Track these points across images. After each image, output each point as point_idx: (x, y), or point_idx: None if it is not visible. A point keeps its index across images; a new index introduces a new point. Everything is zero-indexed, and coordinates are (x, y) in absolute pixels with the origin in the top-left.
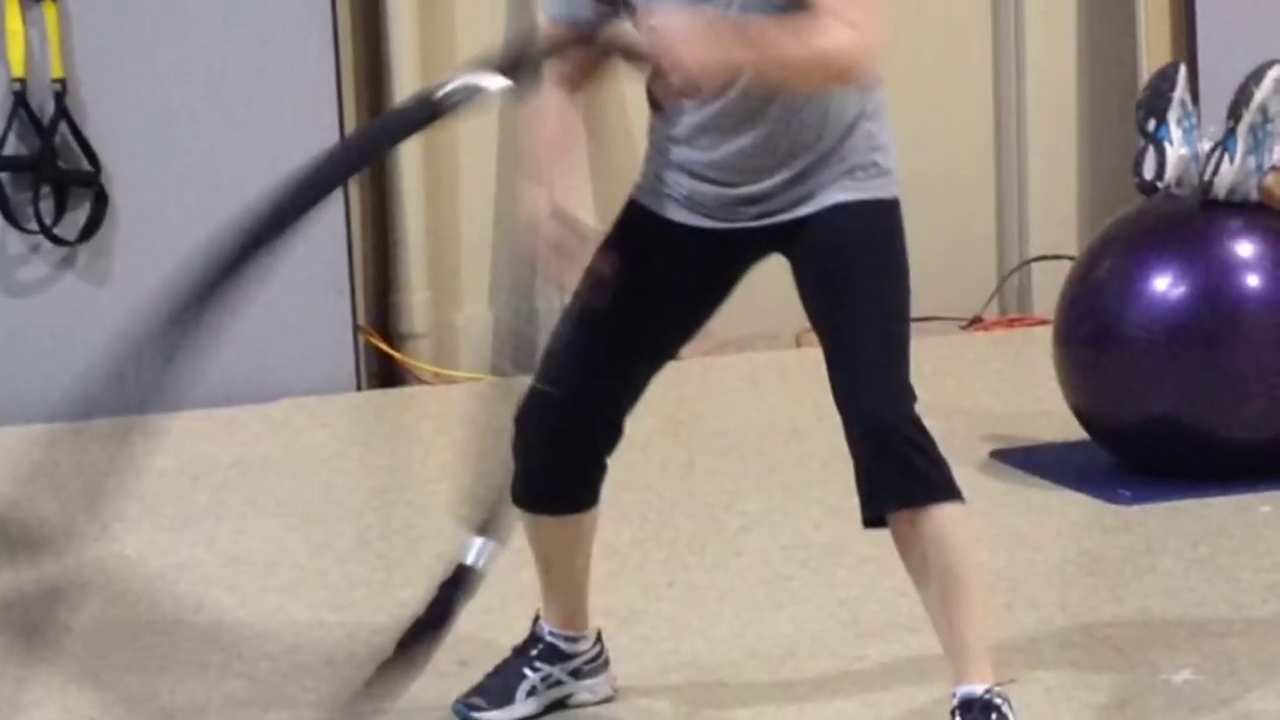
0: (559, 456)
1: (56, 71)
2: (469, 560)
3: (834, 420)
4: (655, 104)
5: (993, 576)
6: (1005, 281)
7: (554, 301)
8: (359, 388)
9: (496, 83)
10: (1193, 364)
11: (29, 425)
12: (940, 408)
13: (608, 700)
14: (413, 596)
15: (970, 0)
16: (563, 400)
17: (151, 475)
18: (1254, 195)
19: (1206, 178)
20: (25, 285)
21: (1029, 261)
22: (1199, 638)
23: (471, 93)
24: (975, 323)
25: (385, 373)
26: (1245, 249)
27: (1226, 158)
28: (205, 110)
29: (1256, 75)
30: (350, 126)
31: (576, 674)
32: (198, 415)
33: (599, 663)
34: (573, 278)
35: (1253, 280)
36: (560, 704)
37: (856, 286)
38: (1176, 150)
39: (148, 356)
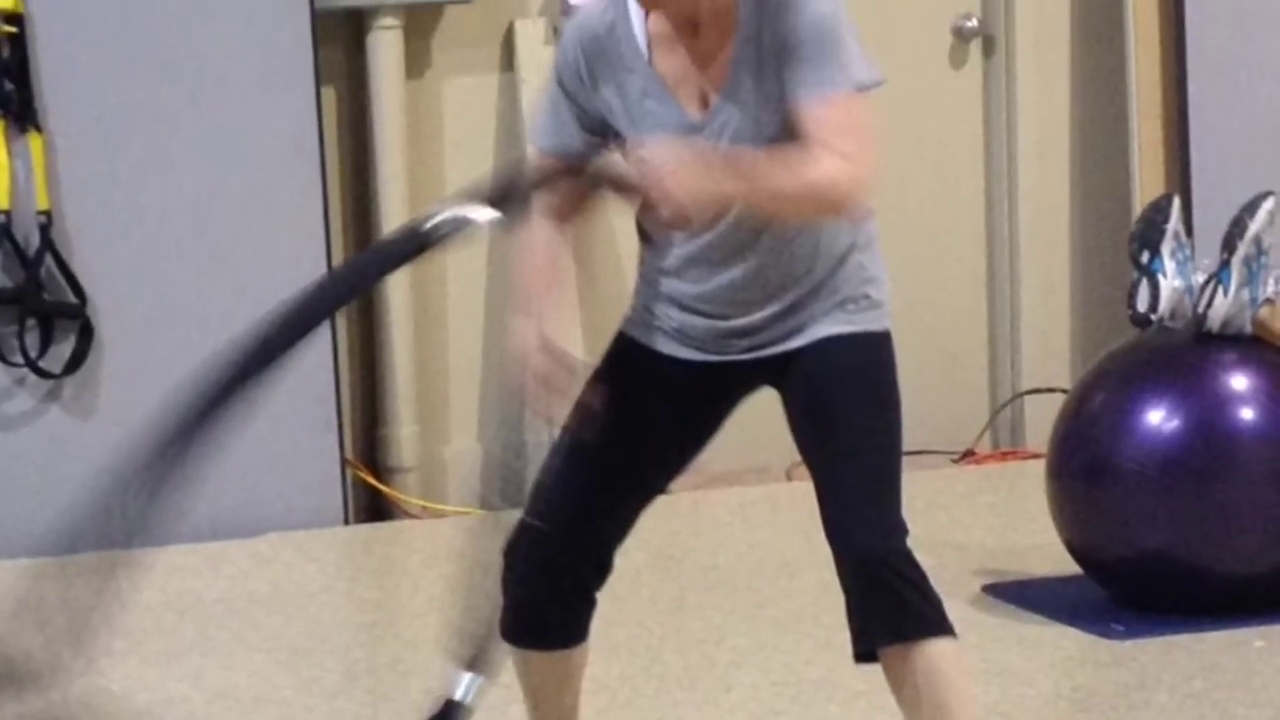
0: (548, 591)
1: (42, 203)
2: (457, 695)
3: (825, 554)
4: (645, 236)
5: (985, 712)
6: (998, 415)
7: (543, 435)
8: (347, 522)
9: (485, 214)
10: (1186, 498)
11: (14, 559)
12: (932, 541)
13: None
14: None
15: (962, 131)
16: (552, 534)
17: (138, 610)
18: (1248, 328)
19: (1200, 310)
20: (10, 419)
21: (1022, 394)
22: None
23: (460, 224)
24: (967, 456)
25: (373, 507)
26: (1240, 382)
27: (1221, 290)
28: (192, 243)
29: (1250, 207)
30: (338, 259)
31: None
32: (184, 549)
33: None
34: (562, 411)
35: (1247, 414)
36: None
37: (847, 420)
38: (1170, 282)
39: (134, 490)
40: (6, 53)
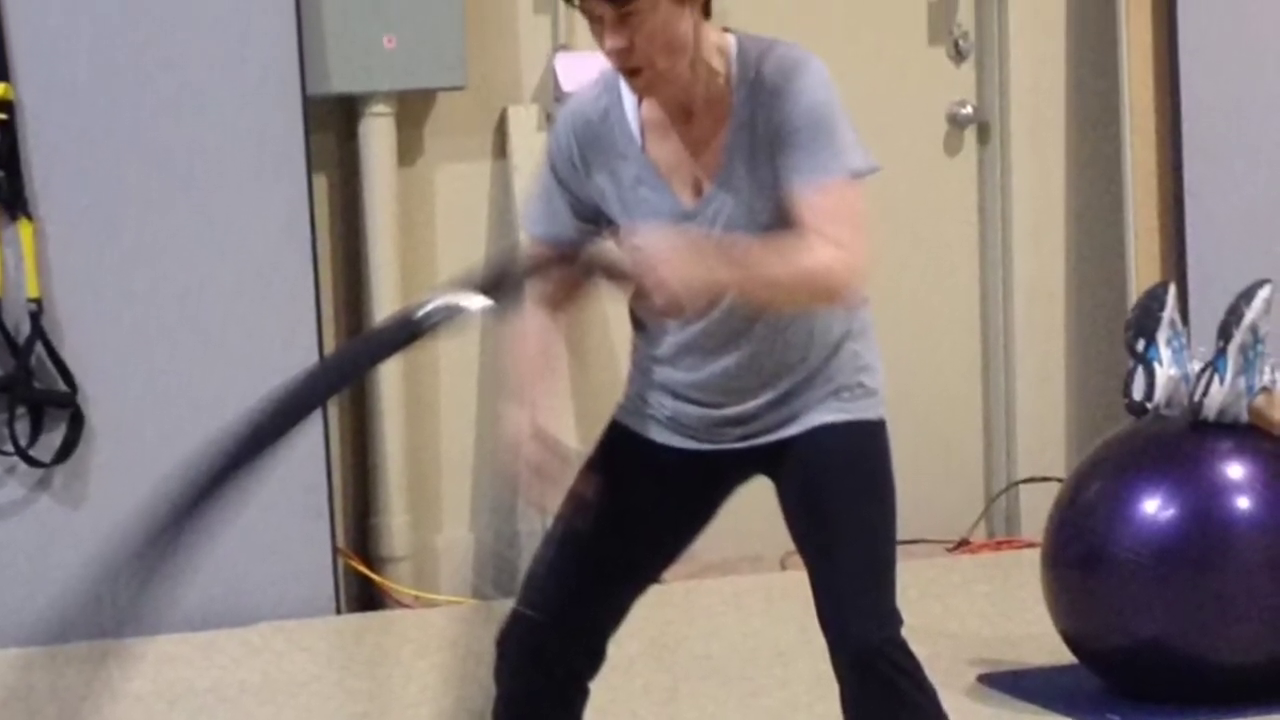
0: (541, 680)
1: (32, 291)
2: None
3: (819, 644)
4: (638, 324)
5: None
6: (993, 503)
7: (535, 524)
8: (338, 611)
9: (477, 302)
10: (1183, 587)
11: (4, 649)
12: (927, 631)
13: None
14: None
15: (957, 218)
16: (545, 624)
17: (128, 699)
18: (1244, 416)
19: (1196, 398)
20: (0, 507)
21: (1017, 483)
22: None
23: (452, 312)
24: (962, 545)
25: (365, 596)
26: (1236, 471)
27: (1217, 378)
28: (183, 331)
29: (1246, 295)
30: (329, 347)
31: None
32: (175, 639)
33: None
34: (554, 500)
35: (1243, 503)
36: None
37: (842, 509)
38: (1166, 371)
39: (124, 579)
40: None
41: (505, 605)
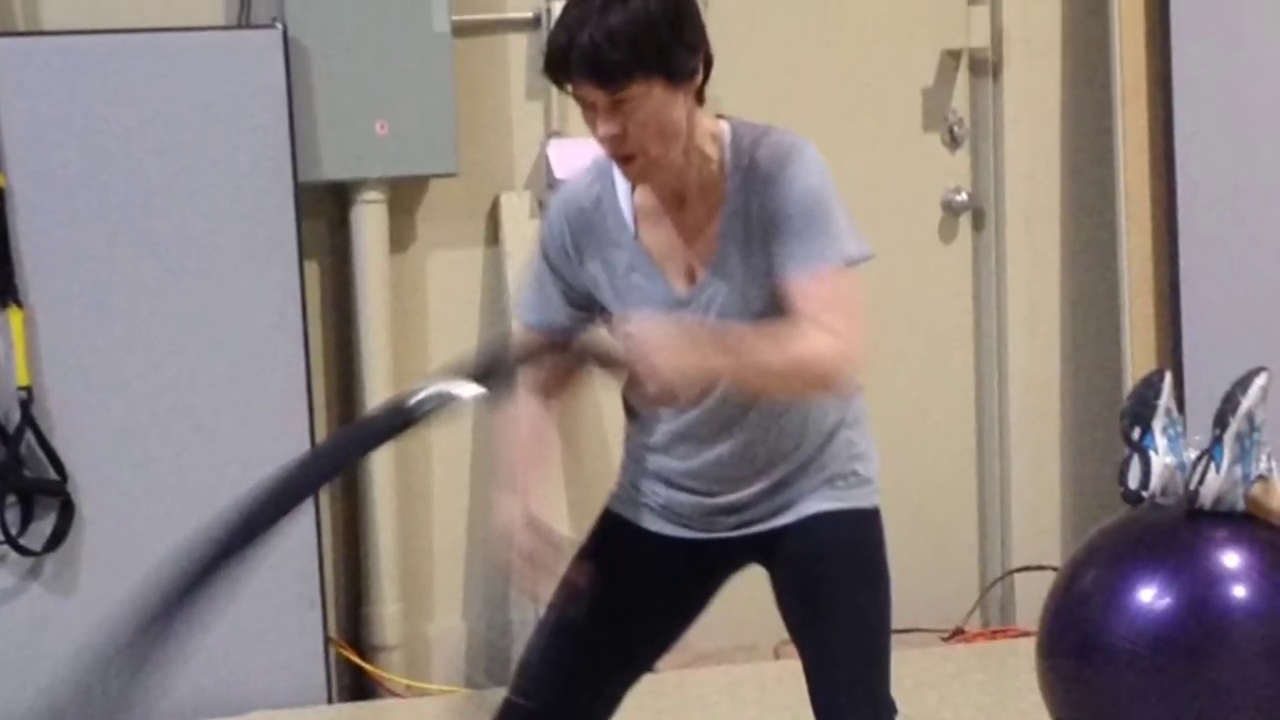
0: None
1: (22, 379)
2: None
3: None
4: (631, 412)
5: None
6: (988, 592)
7: (528, 613)
8: (330, 700)
9: (470, 390)
10: (1179, 677)
11: None
12: None
13: None
14: None
15: (952, 306)
16: (538, 712)
17: None
18: (1241, 505)
19: (1192, 487)
20: None
21: (1012, 572)
22: None
23: (444, 400)
24: (957, 634)
25: (357, 685)
26: (1232, 560)
27: (1213, 467)
28: (174, 419)
29: (1243, 383)
30: (321, 435)
31: None
32: None
33: None
34: (547, 589)
35: (1240, 592)
36: None
37: (836, 598)
38: (1162, 459)
39: (115, 669)
40: None
41: (498, 694)
